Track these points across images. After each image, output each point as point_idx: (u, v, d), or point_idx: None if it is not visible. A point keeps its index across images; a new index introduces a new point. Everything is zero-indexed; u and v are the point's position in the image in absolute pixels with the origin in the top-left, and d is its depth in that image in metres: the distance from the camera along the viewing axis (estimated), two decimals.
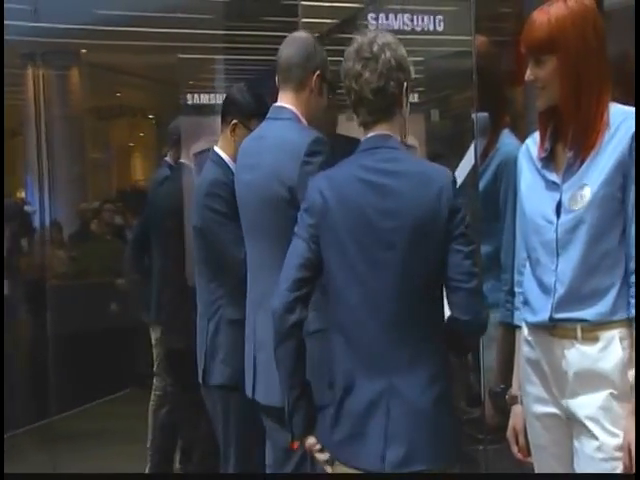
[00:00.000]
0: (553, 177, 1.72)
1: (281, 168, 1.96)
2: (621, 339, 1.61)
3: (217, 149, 2.41)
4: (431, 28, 4.42)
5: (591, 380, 1.64)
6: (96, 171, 8.52)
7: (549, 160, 1.74)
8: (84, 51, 7.94)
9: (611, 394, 1.62)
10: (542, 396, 1.74)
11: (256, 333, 2.02)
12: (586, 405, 1.65)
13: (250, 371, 2.04)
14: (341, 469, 1.65)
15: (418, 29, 4.40)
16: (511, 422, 1.87)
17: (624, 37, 1.88)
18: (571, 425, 1.70)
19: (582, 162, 1.67)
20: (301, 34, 2.17)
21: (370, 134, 1.73)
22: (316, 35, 2.39)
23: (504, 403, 1.92)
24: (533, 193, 1.76)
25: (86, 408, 4.93)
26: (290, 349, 1.64)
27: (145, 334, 3.61)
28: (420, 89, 4.00)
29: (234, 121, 2.36)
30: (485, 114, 2.13)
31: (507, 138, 2.03)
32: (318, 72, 2.06)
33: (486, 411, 2.01)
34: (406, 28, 4.27)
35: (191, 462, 3.17)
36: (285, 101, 2.08)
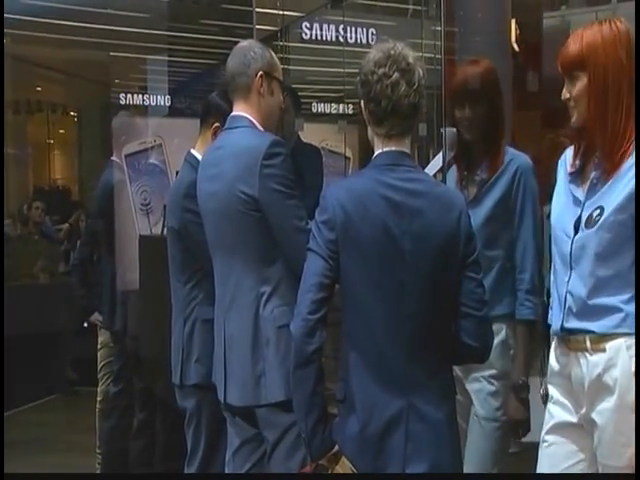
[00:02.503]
0: (578, 193, 1.79)
1: (241, 175, 1.98)
2: (628, 348, 1.68)
3: (194, 151, 2.41)
4: (364, 40, 4.52)
5: (601, 390, 1.70)
6: (11, 168, 8.18)
7: (577, 176, 1.81)
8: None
9: (619, 403, 1.68)
10: (562, 401, 1.80)
11: (226, 335, 2.03)
12: (597, 414, 1.71)
13: (221, 374, 2.04)
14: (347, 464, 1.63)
15: (351, 41, 4.50)
16: None
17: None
18: (584, 432, 1.76)
19: (605, 183, 1.74)
20: (242, 43, 2.17)
21: (387, 149, 1.67)
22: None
23: (525, 395, 2.00)
24: (560, 206, 1.84)
25: (9, 415, 4.71)
26: (311, 373, 1.60)
27: (72, 339, 3.49)
28: (354, 100, 4.08)
29: (216, 124, 2.36)
30: (453, 129, 2.20)
31: (512, 149, 2.18)
32: (260, 73, 2.08)
33: (508, 404, 2.07)
34: (340, 39, 4.36)
35: (149, 465, 3.08)
36: (239, 110, 2.10)
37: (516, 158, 2.13)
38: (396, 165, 1.65)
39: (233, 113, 2.10)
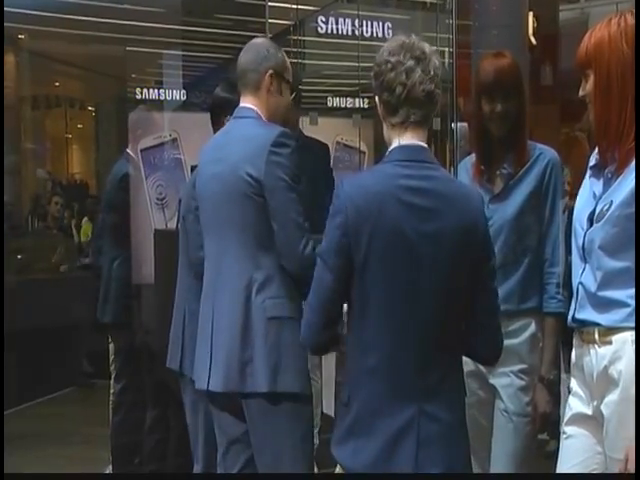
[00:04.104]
0: (595, 187, 1.80)
1: (248, 158, 1.99)
2: (633, 342, 1.68)
3: None
4: (379, 34, 4.50)
5: (607, 382, 1.71)
6: (30, 162, 8.26)
7: (597, 170, 1.82)
8: (22, 37, 7.68)
9: (622, 396, 1.68)
10: (579, 392, 1.81)
11: (214, 318, 2.02)
12: (604, 406, 1.71)
13: (206, 358, 2.01)
14: None
15: (366, 35, 4.49)
16: None
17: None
18: (598, 424, 1.76)
19: (617, 178, 1.73)
20: (256, 40, 2.20)
21: (404, 142, 1.60)
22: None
23: (557, 390, 2.02)
24: (582, 199, 1.84)
25: (25, 407, 4.76)
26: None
27: (89, 332, 3.50)
28: (369, 94, 4.06)
29: (227, 117, 2.37)
30: (464, 124, 2.19)
31: (539, 144, 2.17)
32: (271, 72, 2.09)
33: (538, 397, 2.06)
34: (356, 33, 4.35)
35: (162, 460, 3.09)
36: (247, 102, 2.12)
37: (545, 152, 2.12)
38: (412, 161, 1.59)
39: (241, 104, 2.11)
